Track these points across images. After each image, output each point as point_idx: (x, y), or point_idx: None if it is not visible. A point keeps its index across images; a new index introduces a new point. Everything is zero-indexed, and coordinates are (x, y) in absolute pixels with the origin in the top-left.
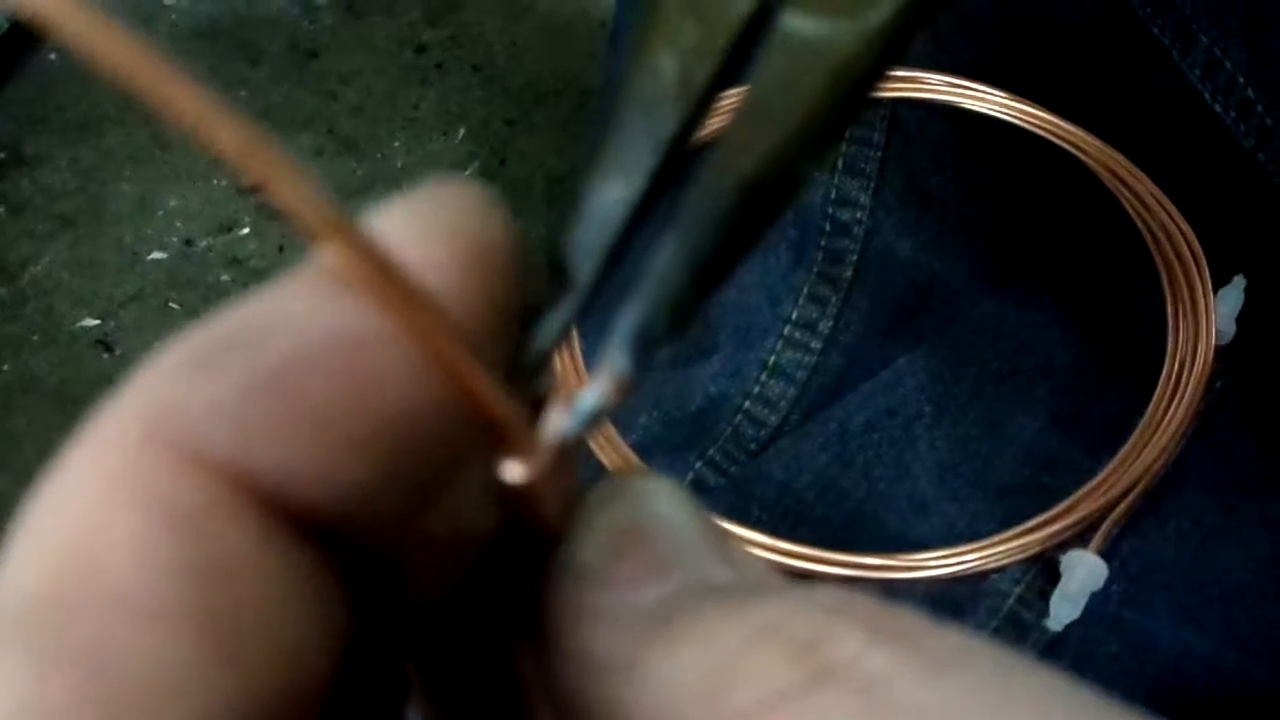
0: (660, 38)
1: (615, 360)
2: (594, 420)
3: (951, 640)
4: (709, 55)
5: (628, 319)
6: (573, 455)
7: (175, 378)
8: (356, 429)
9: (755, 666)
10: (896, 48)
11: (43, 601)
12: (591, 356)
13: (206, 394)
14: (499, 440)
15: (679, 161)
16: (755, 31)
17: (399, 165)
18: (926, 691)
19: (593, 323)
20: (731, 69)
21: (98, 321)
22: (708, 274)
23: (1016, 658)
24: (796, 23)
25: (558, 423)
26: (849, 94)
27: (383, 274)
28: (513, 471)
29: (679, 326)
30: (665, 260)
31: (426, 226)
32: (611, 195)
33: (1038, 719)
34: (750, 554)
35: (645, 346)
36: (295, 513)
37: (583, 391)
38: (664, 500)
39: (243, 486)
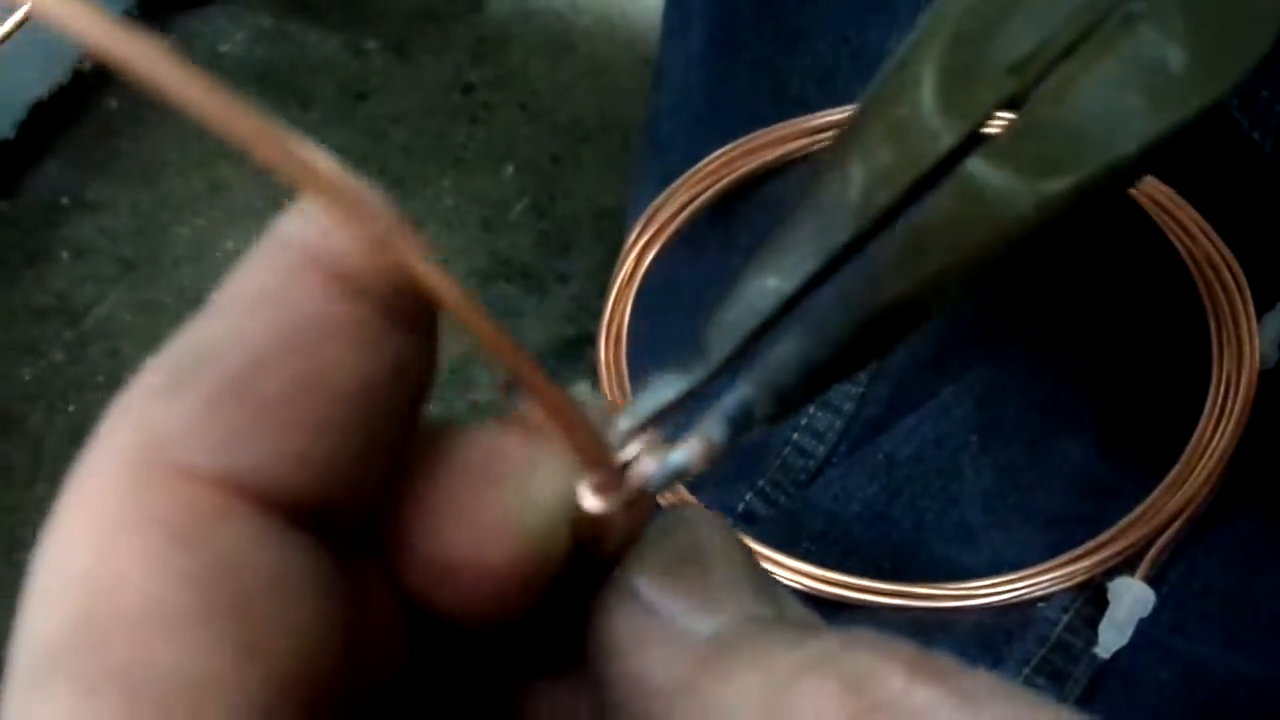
0: (858, 152)
1: (713, 430)
2: (677, 476)
3: (984, 680)
4: (898, 180)
5: (735, 396)
6: (650, 500)
7: (150, 402)
8: (316, 412)
9: (808, 697)
10: (1065, 221)
11: (72, 632)
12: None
13: (180, 412)
14: (586, 471)
15: (836, 269)
16: (945, 169)
17: (449, 203)
18: None
19: (645, 364)
20: (913, 198)
21: None
22: (820, 377)
23: (1043, 698)
24: (981, 170)
25: (644, 469)
26: (1003, 250)
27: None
28: (591, 502)
29: (778, 416)
30: (785, 352)
31: None
32: (766, 286)
33: None
34: (788, 590)
35: (742, 425)
36: (284, 504)
37: (675, 449)
38: (717, 534)
39: (231, 489)
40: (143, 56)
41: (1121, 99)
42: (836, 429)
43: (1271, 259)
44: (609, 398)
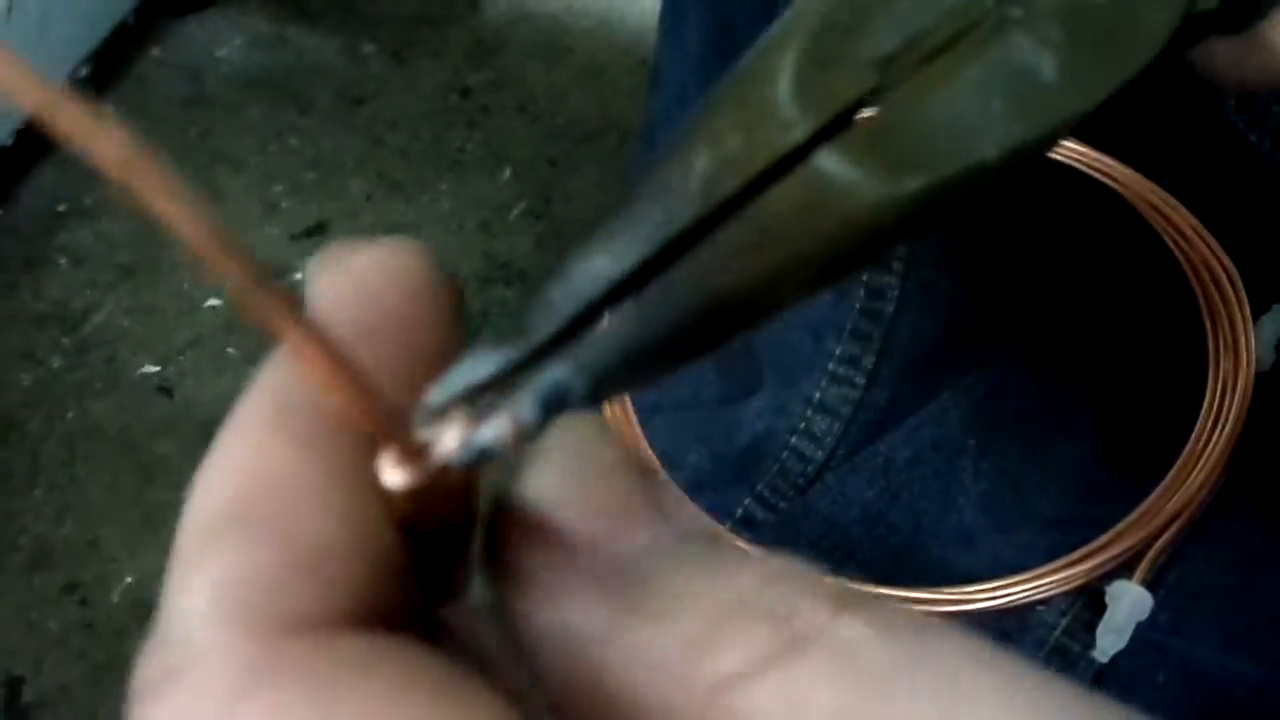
0: (704, 138)
1: (523, 409)
2: (484, 455)
3: (903, 612)
4: (743, 169)
5: (551, 374)
6: (474, 471)
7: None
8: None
9: (735, 636)
10: (915, 223)
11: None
12: (640, 408)
13: (250, 565)
14: (382, 445)
15: (674, 257)
16: (795, 160)
17: (446, 207)
18: (890, 654)
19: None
20: (759, 188)
21: (158, 368)
22: (644, 363)
23: (954, 628)
24: (831, 163)
25: (447, 447)
26: (853, 248)
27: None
28: (391, 477)
29: (596, 399)
30: (608, 334)
31: (355, 285)
32: (594, 267)
33: (996, 680)
34: (685, 502)
35: (555, 405)
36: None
37: (480, 427)
38: (606, 442)
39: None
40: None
41: (985, 103)
42: (835, 433)
43: (1267, 262)
44: (613, 414)
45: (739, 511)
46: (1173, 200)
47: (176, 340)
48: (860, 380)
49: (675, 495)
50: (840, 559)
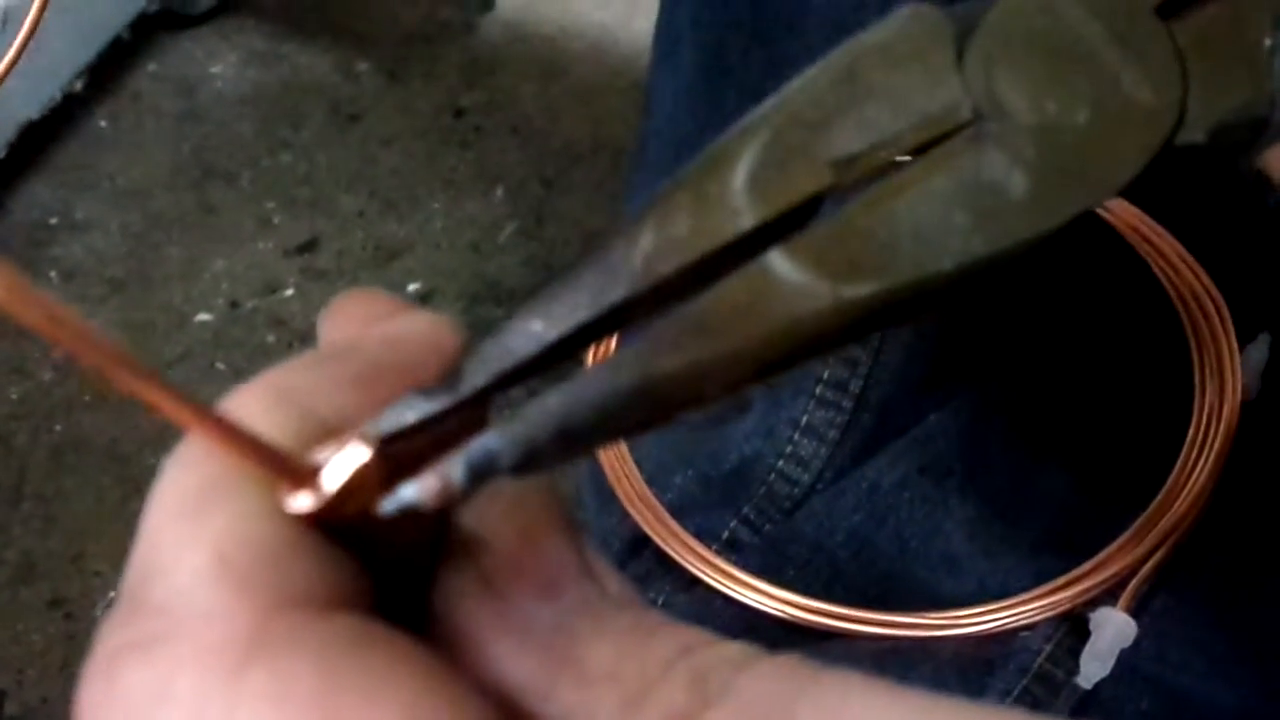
0: (654, 217)
1: (453, 471)
2: (409, 509)
3: (803, 664)
4: (685, 252)
5: (483, 442)
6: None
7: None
8: None
9: (660, 697)
10: (860, 329)
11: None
12: (636, 455)
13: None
14: (286, 486)
15: (610, 329)
16: (741, 252)
17: (439, 225)
18: (788, 701)
19: None
20: (702, 275)
21: None
22: (573, 441)
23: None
24: (780, 263)
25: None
26: (794, 349)
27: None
28: (295, 503)
29: (524, 470)
30: (541, 409)
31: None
32: (529, 328)
33: (883, 705)
34: (604, 561)
35: (484, 472)
36: None
37: (407, 484)
38: (540, 503)
39: None
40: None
41: (947, 215)
42: (821, 456)
43: (1254, 290)
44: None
45: (725, 534)
46: (1159, 228)
47: (166, 354)
48: (847, 404)
49: (599, 557)
50: (826, 583)
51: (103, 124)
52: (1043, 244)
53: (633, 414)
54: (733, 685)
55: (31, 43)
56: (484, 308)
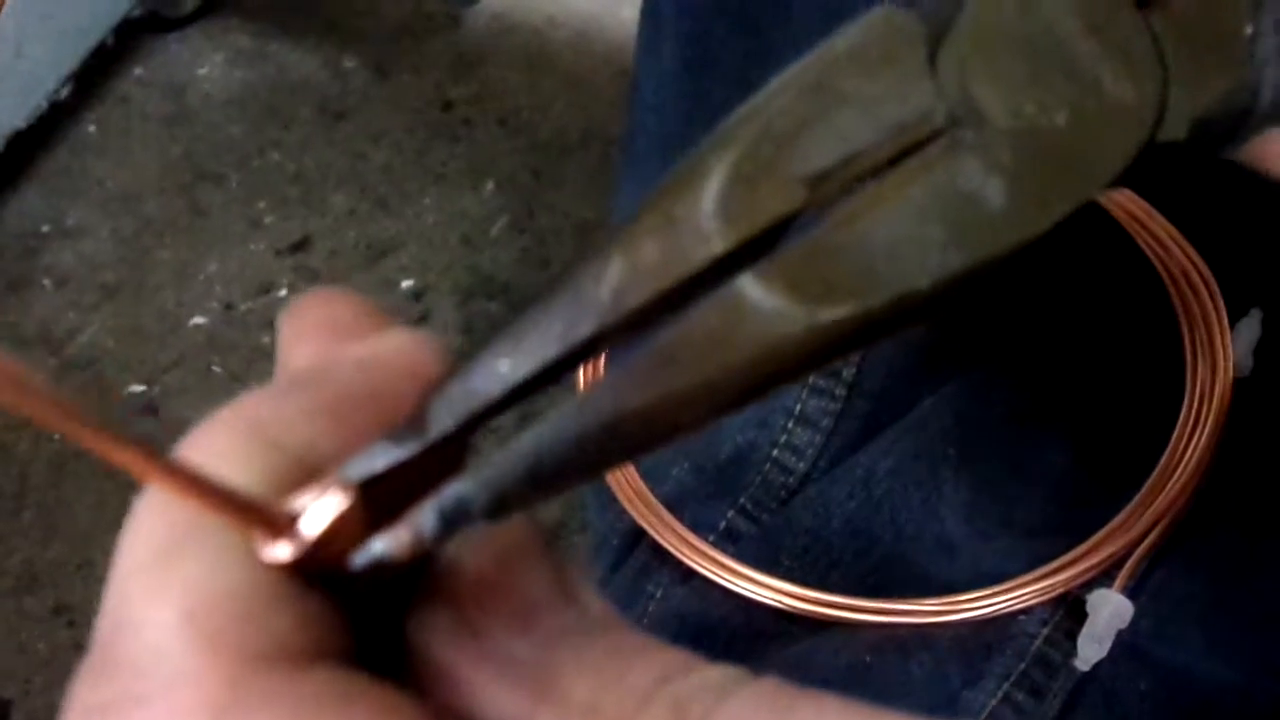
0: (620, 246)
1: (425, 521)
2: (380, 562)
3: (781, 688)
4: (656, 281)
5: (453, 491)
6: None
7: None
8: None
9: None
10: (837, 351)
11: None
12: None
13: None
14: (259, 534)
15: (580, 363)
16: (712, 277)
17: (430, 221)
18: None
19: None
20: (673, 303)
21: (143, 387)
22: (546, 483)
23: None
24: (752, 288)
25: (329, 554)
26: (769, 375)
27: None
28: (271, 553)
29: (497, 514)
30: (512, 453)
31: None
32: (496, 369)
33: None
34: (584, 581)
35: (456, 519)
36: None
37: (378, 537)
38: (518, 534)
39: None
40: None
41: (922, 229)
42: (816, 445)
43: (1244, 267)
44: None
45: (722, 524)
46: (1148, 207)
47: (162, 360)
48: (840, 392)
49: (579, 578)
50: (823, 571)
51: (91, 130)
52: (1024, 251)
53: (606, 452)
54: (712, 716)
55: (14, 51)
56: (478, 302)
